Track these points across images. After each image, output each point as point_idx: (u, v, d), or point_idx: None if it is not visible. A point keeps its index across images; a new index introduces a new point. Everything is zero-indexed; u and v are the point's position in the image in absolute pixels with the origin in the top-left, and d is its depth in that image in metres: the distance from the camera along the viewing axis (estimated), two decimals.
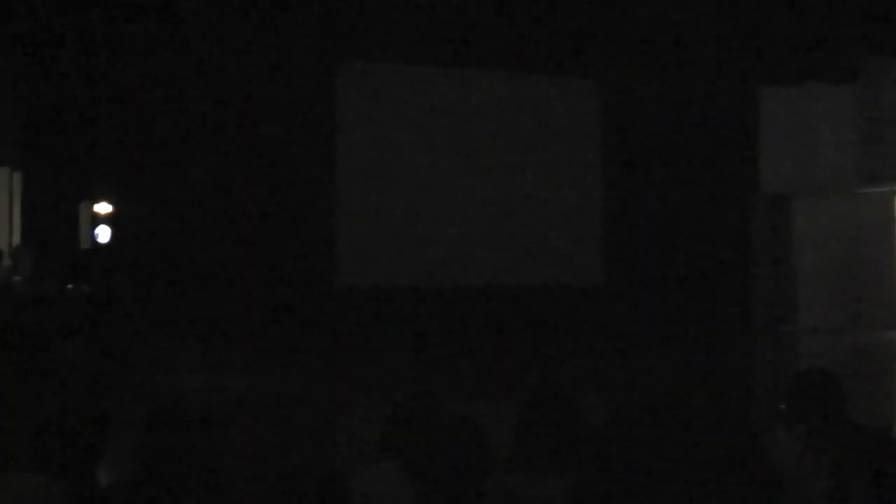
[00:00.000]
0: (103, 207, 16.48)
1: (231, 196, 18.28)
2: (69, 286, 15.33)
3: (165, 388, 12.42)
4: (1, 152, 17.46)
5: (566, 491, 3.25)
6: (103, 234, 16.33)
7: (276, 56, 18.38)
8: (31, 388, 11.87)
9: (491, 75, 20.39)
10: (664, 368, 14.50)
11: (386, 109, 19.85)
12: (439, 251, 19.50)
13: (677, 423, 3.96)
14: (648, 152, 20.82)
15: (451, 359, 16.00)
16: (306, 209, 18.85)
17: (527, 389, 3.87)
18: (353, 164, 19.65)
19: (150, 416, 3.44)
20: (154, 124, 17.59)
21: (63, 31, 17.12)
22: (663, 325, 19.16)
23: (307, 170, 18.92)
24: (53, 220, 16.73)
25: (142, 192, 17.39)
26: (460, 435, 3.10)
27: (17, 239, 16.95)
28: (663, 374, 13.77)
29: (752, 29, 19.44)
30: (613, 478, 3.12)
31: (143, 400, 11.71)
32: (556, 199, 20.82)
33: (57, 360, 13.72)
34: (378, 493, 3.49)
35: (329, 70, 19.32)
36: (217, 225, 17.95)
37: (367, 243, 19.21)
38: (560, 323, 19.06)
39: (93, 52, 17.28)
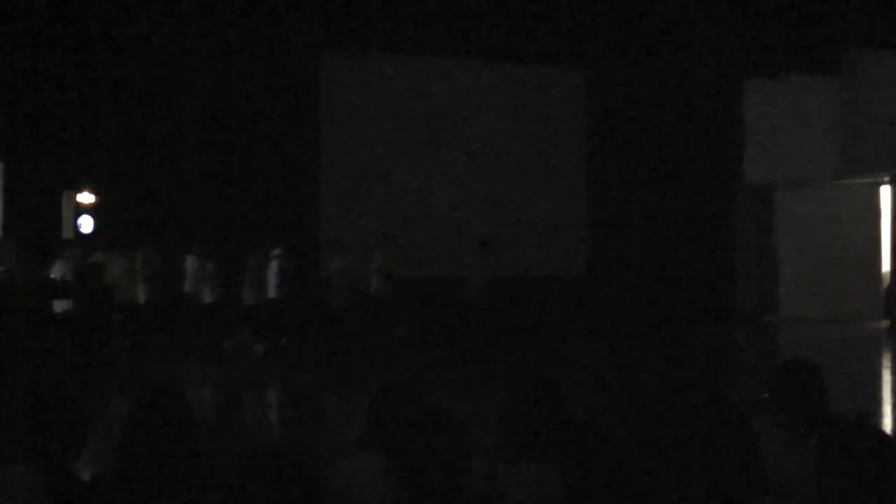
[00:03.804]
0: (86, 197, 16.40)
1: (215, 185, 18.24)
2: (52, 276, 15.25)
3: (152, 379, 12.39)
4: None
5: (551, 480, 3.26)
6: (86, 223, 16.25)
7: (261, 46, 18.32)
8: (12, 378, 11.81)
9: (476, 65, 20.38)
10: (648, 358, 14.54)
11: (371, 99, 19.82)
12: (424, 241, 19.49)
13: (661, 411, 3.97)
14: (633, 143, 20.86)
15: (436, 348, 16.00)
16: (291, 198, 18.81)
17: (512, 378, 3.88)
18: (337, 154, 19.62)
19: (135, 408, 3.42)
20: (137, 115, 17.53)
21: (45, 24, 17.02)
22: (646, 316, 19.21)
23: (292, 160, 18.88)
24: (35, 210, 16.65)
25: (125, 182, 17.32)
26: (441, 426, 3.09)
27: None
28: (647, 363, 13.82)
29: (737, 21, 19.47)
30: (599, 466, 3.12)
31: (128, 390, 11.68)
32: (541, 189, 20.84)
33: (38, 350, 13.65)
34: (359, 484, 3.49)
35: (314, 60, 19.27)
36: (202, 213, 17.91)
37: (352, 234, 19.16)
38: (544, 313, 19.09)
39: (74, 44, 17.18)
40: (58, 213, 16.43)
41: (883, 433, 3.16)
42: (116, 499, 3.20)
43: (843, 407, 4.14)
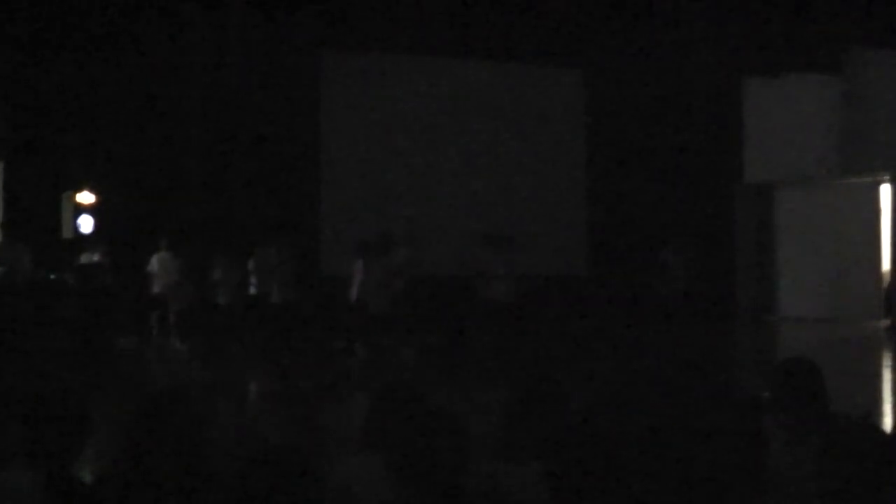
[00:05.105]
0: (86, 197, 16.39)
1: (215, 187, 18.24)
2: (52, 276, 15.25)
3: (153, 381, 12.40)
4: None
5: (548, 479, 3.25)
6: (86, 223, 16.24)
7: (261, 44, 18.32)
8: (12, 378, 11.80)
9: (476, 65, 20.37)
10: (648, 357, 14.53)
11: (371, 99, 19.81)
12: (425, 241, 19.48)
13: (661, 410, 3.97)
14: (633, 143, 20.84)
15: (438, 348, 16.00)
16: (291, 199, 18.81)
17: (514, 378, 3.88)
18: (338, 154, 19.62)
19: (137, 409, 3.42)
20: (136, 115, 17.54)
21: (45, 24, 17.03)
22: (646, 315, 19.19)
23: (292, 160, 18.88)
24: (35, 210, 16.64)
25: (125, 182, 17.31)
26: (440, 427, 3.10)
27: None
28: (647, 362, 13.80)
29: (737, 21, 19.47)
30: (596, 466, 3.12)
31: (129, 392, 11.68)
32: (541, 189, 20.83)
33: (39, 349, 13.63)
34: (359, 485, 3.49)
35: (314, 59, 19.27)
36: (202, 215, 17.92)
37: (352, 233, 19.16)
38: (545, 312, 19.06)
39: (74, 44, 17.18)
40: (58, 213, 16.42)
41: (883, 433, 3.16)
42: (118, 500, 3.20)
43: (843, 407, 4.14)
